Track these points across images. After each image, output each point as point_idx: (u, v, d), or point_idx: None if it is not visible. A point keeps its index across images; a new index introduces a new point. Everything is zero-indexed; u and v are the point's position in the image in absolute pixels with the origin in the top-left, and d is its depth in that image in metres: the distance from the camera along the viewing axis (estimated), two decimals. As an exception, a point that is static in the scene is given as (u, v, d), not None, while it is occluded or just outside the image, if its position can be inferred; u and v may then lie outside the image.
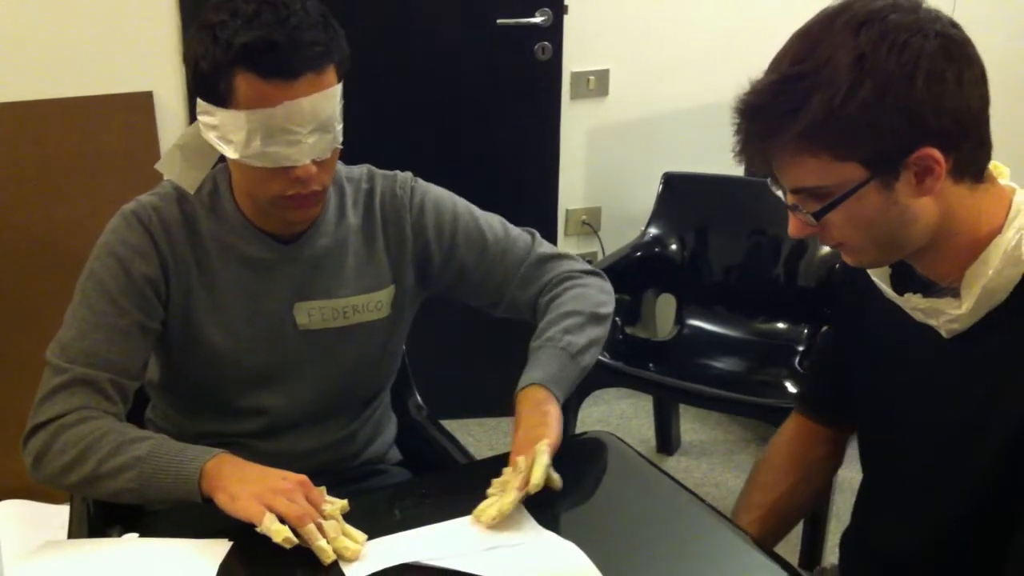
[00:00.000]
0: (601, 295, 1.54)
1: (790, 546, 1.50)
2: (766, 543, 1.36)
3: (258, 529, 1.16)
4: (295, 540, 1.15)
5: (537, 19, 2.72)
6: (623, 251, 2.74)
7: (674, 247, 2.73)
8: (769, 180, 1.14)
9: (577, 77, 3.01)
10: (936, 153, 1.03)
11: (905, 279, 1.19)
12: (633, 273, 2.71)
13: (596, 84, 3.05)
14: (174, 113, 2.56)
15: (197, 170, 1.39)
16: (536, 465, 1.25)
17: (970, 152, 1.07)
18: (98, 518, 1.45)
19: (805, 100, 1.02)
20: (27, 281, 2.43)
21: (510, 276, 1.55)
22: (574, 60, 2.93)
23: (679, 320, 2.76)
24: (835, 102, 1.01)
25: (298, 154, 1.28)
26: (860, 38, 1.01)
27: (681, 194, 2.75)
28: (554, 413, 1.35)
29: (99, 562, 1.19)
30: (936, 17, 1.04)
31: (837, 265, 2.45)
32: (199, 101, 1.31)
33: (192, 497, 1.23)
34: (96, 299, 1.36)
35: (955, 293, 1.12)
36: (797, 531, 1.46)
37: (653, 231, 2.74)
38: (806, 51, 1.04)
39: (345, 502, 1.25)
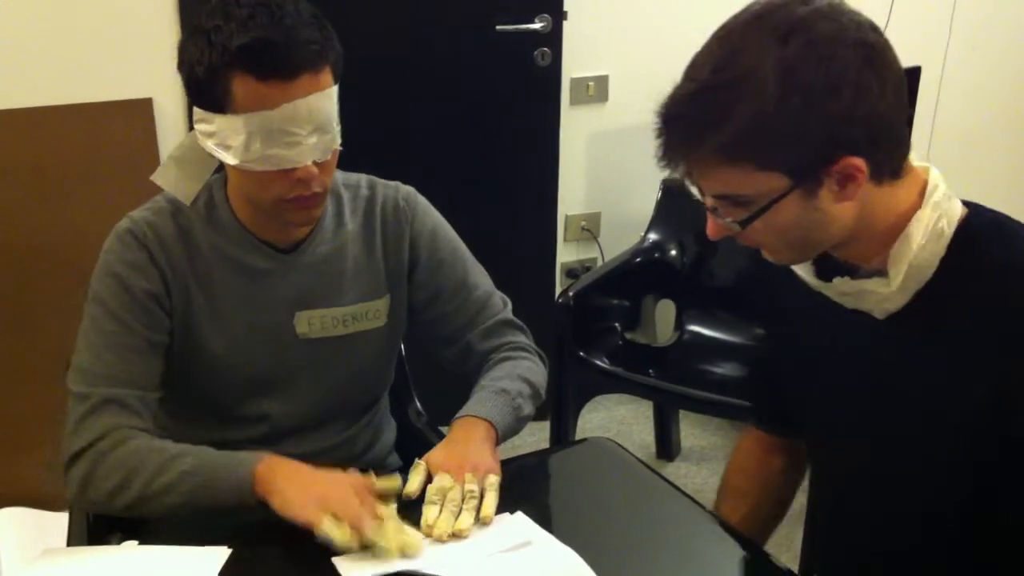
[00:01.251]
0: (543, 379, 1.57)
1: (792, 553, 1.50)
2: None
3: (317, 532, 1.17)
4: (356, 546, 1.16)
5: (536, 25, 2.72)
6: (623, 257, 2.74)
7: (674, 253, 2.74)
8: (687, 182, 1.13)
9: (576, 83, 3.01)
10: (859, 162, 1.03)
11: (828, 268, 1.18)
12: (633, 279, 2.71)
13: (596, 90, 3.05)
14: (174, 120, 2.56)
15: (194, 181, 1.39)
16: (490, 498, 1.27)
17: (890, 154, 1.07)
18: (97, 526, 1.45)
19: (728, 111, 1.01)
20: (26, 288, 2.43)
21: (477, 323, 1.57)
22: (574, 66, 2.93)
23: (679, 326, 2.76)
24: (761, 114, 1.00)
25: (299, 155, 1.28)
26: (787, 49, 1.00)
27: (681, 200, 2.75)
28: (496, 456, 1.38)
29: (98, 570, 1.19)
30: (858, 24, 1.03)
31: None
32: (196, 109, 1.31)
33: (246, 502, 1.25)
34: (103, 321, 1.36)
35: (881, 274, 1.11)
36: (798, 536, 1.45)
37: (653, 237, 2.74)
38: (728, 58, 1.03)
39: (396, 479, 1.27)
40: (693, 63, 1.07)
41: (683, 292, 2.77)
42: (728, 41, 1.04)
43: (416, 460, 1.34)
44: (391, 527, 1.18)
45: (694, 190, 1.13)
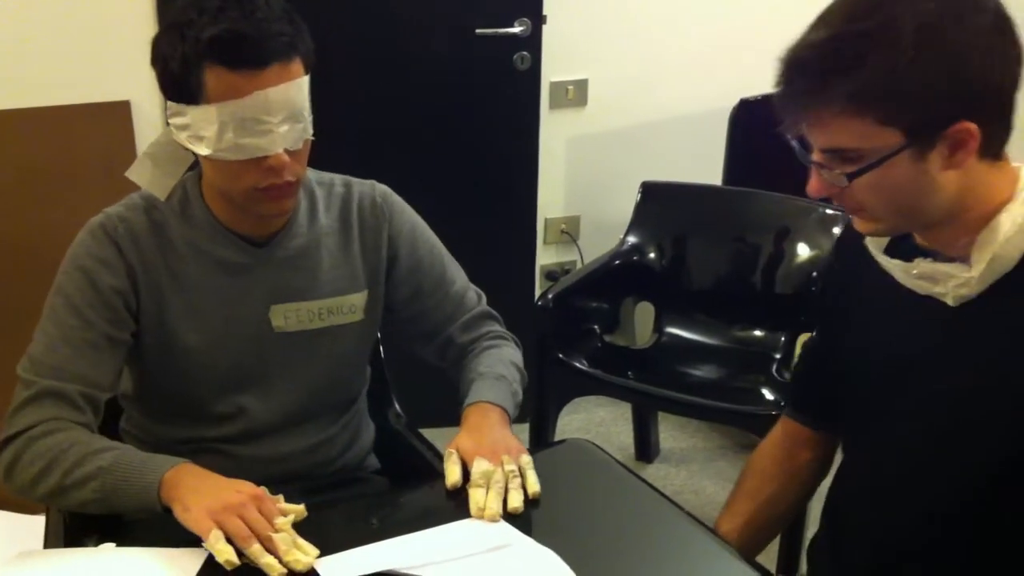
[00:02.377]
0: (522, 362, 1.61)
1: (768, 553, 1.51)
2: (747, 550, 1.36)
3: (203, 546, 1.17)
4: (237, 562, 1.16)
5: (516, 29, 2.72)
6: (602, 259, 2.74)
7: (652, 255, 2.75)
8: (790, 137, 1.12)
9: (556, 87, 3.02)
10: (973, 127, 1.04)
11: (907, 250, 1.19)
12: (612, 281, 2.72)
13: (575, 94, 3.07)
14: (151, 122, 2.55)
15: (168, 177, 1.40)
16: (531, 476, 1.32)
17: (999, 129, 1.08)
18: (74, 527, 1.45)
19: (861, 60, 1.01)
20: (5, 289, 2.42)
21: (456, 317, 1.60)
22: (553, 70, 2.94)
23: (658, 328, 2.77)
24: (894, 68, 1.00)
25: (270, 143, 1.29)
26: (925, 4, 1.01)
27: (659, 203, 2.76)
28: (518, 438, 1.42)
29: (75, 572, 1.19)
30: None
31: (814, 273, 2.48)
32: (169, 104, 1.33)
33: (153, 507, 1.24)
34: (63, 314, 1.37)
35: (963, 260, 1.12)
36: (774, 539, 1.46)
37: (632, 240, 2.75)
38: (866, 9, 1.03)
39: (302, 507, 1.26)
40: (828, 9, 1.06)
41: (662, 295, 2.78)
42: None
43: (447, 449, 1.36)
44: (282, 541, 1.17)
45: (794, 144, 1.12)
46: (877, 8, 1.02)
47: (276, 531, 1.18)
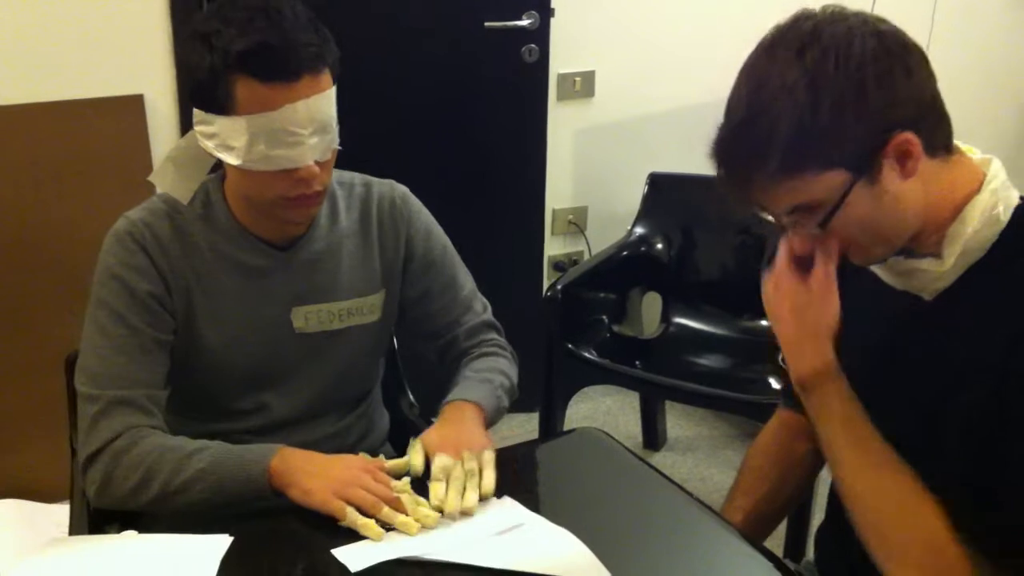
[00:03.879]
0: (516, 377, 1.63)
1: (775, 538, 1.54)
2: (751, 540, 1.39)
3: (342, 523, 1.22)
4: (382, 532, 1.21)
5: (524, 22, 2.75)
6: (610, 250, 2.77)
7: (660, 246, 2.77)
8: (756, 211, 1.18)
9: (563, 79, 3.04)
10: (909, 135, 1.08)
11: None
12: (620, 272, 2.74)
13: (582, 85, 3.08)
14: (165, 116, 2.56)
15: (191, 181, 1.42)
16: (488, 474, 1.32)
17: (935, 127, 1.12)
18: (97, 516, 1.47)
19: (773, 132, 1.07)
20: (21, 284, 2.44)
21: (461, 322, 1.62)
22: (560, 62, 2.96)
23: (665, 318, 2.79)
24: (803, 123, 1.06)
25: (300, 155, 1.31)
26: (804, 61, 1.06)
27: (666, 194, 2.79)
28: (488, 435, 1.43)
29: (104, 558, 1.21)
30: (863, 20, 1.09)
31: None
32: (195, 111, 1.33)
33: (264, 496, 1.28)
34: (109, 324, 1.38)
35: (935, 255, 1.16)
36: (782, 523, 1.49)
37: (639, 230, 2.77)
38: (756, 90, 1.09)
39: (406, 459, 1.34)
40: (727, 107, 1.13)
41: (669, 285, 2.80)
42: (751, 76, 1.11)
43: (412, 439, 1.39)
44: (408, 501, 1.25)
45: (767, 217, 1.18)
46: (764, 86, 1.08)
47: (397, 495, 1.25)
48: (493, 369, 1.57)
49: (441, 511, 1.26)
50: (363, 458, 1.33)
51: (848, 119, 1.06)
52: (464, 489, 1.29)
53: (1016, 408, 1.08)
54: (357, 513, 1.22)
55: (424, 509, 1.24)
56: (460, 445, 1.35)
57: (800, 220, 1.15)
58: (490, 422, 1.48)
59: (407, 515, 1.23)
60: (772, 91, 1.07)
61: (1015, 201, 1.15)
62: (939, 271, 1.15)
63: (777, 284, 1.25)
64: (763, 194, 1.14)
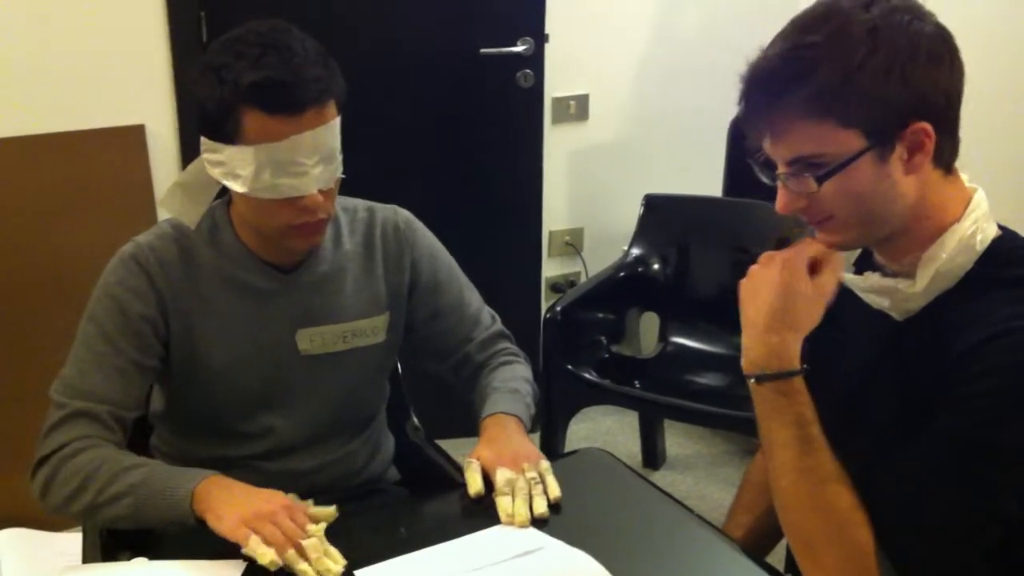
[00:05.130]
0: (532, 378, 1.66)
1: (776, 554, 1.56)
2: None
3: (243, 551, 1.21)
4: (279, 563, 1.20)
5: (519, 48, 2.79)
6: (607, 271, 2.79)
7: (656, 266, 2.79)
8: (756, 158, 1.18)
9: (558, 102, 3.08)
10: (929, 128, 1.10)
11: (865, 265, 1.24)
12: (617, 292, 2.76)
13: (576, 109, 3.12)
14: (166, 145, 2.59)
15: (198, 206, 1.44)
16: (551, 480, 1.37)
17: (949, 138, 1.14)
18: (110, 544, 1.49)
19: (817, 66, 1.08)
20: (25, 312, 2.46)
21: (472, 337, 1.66)
22: (555, 86, 3.00)
23: (663, 337, 2.81)
24: (848, 71, 1.07)
25: (306, 185, 1.34)
26: (872, 12, 1.08)
27: (662, 214, 2.81)
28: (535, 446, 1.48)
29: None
30: (927, 11, 1.12)
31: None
32: (203, 140, 1.37)
33: (186, 519, 1.28)
34: (95, 340, 1.42)
35: (909, 276, 1.17)
36: (783, 539, 1.50)
37: (636, 251, 2.80)
38: (817, 22, 1.10)
39: (332, 509, 1.31)
40: (783, 31, 1.13)
41: (666, 305, 2.82)
42: (816, 10, 1.11)
43: (467, 459, 1.42)
44: (312, 548, 1.22)
45: (760, 172, 1.18)
46: (827, 19, 1.10)
47: (309, 538, 1.23)
48: (517, 378, 1.61)
49: (519, 521, 1.30)
50: (288, 498, 1.31)
51: (890, 84, 1.07)
52: (531, 498, 1.33)
53: (931, 419, 1.10)
54: (259, 542, 1.20)
55: (328, 561, 1.21)
56: (517, 458, 1.40)
57: (798, 174, 1.14)
58: (527, 430, 1.52)
59: (310, 562, 1.20)
60: (830, 29, 1.08)
61: (993, 233, 1.16)
62: (910, 291, 1.16)
63: (785, 264, 1.23)
64: (776, 129, 1.13)
